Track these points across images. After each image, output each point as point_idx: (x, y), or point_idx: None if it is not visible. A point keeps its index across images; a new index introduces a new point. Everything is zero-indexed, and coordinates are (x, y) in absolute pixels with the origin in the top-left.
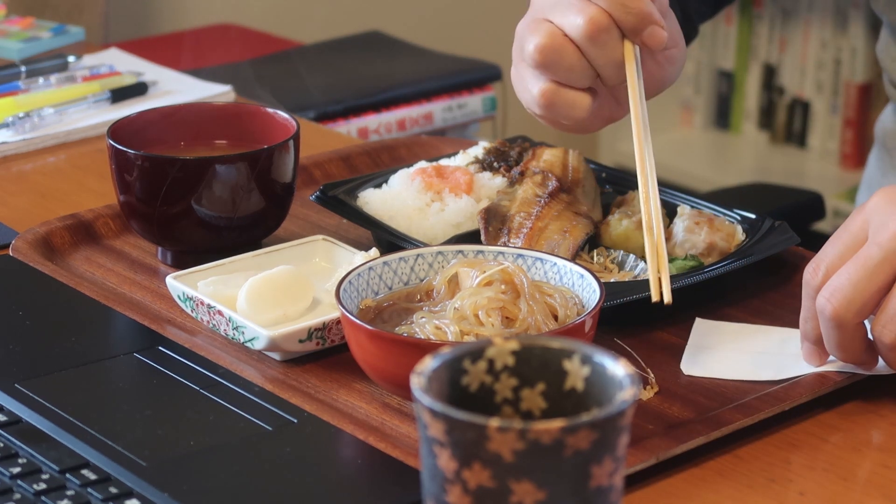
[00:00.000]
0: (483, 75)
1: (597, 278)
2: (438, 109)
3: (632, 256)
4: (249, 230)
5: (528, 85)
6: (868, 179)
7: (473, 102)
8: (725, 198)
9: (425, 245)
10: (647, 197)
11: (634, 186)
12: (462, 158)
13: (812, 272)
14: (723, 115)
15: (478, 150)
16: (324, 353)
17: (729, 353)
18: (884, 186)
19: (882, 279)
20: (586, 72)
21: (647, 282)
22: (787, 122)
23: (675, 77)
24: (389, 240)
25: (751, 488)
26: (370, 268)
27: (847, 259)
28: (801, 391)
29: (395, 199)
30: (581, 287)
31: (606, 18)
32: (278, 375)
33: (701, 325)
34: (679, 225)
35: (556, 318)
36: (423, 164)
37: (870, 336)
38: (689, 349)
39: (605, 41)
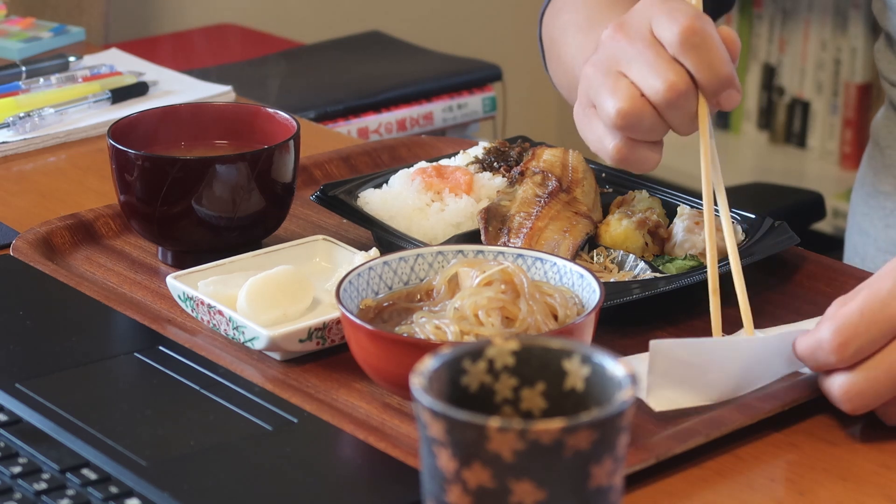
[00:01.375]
0: (483, 75)
1: (597, 278)
2: (438, 109)
3: (631, 256)
4: (249, 230)
5: (602, 139)
6: (861, 177)
7: (473, 102)
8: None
9: (425, 245)
10: (714, 256)
11: (634, 186)
12: (462, 158)
13: (838, 347)
14: (722, 115)
15: (478, 150)
16: (324, 353)
17: (696, 377)
18: None
19: None
20: (662, 130)
21: (646, 281)
22: (786, 122)
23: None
24: (389, 240)
25: (751, 488)
26: (370, 268)
27: (878, 342)
28: (800, 391)
29: (395, 199)
30: (581, 287)
31: (685, 82)
32: (278, 375)
33: (657, 351)
34: (679, 225)
35: (556, 318)
36: (423, 164)
37: None
38: (651, 381)
39: (683, 105)
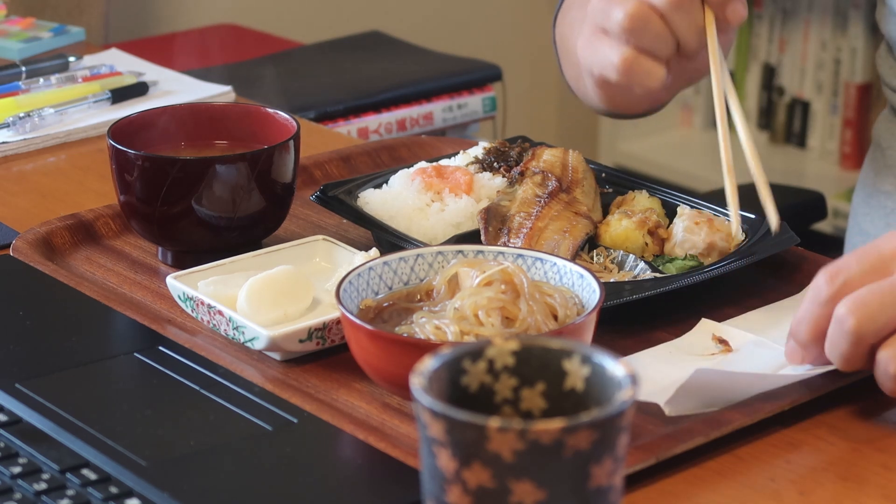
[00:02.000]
0: (483, 75)
1: (597, 278)
2: (438, 109)
3: (631, 256)
4: (249, 230)
5: (608, 53)
6: (863, 178)
7: (473, 102)
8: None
9: (425, 245)
10: (728, 147)
11: (634, 186)
12: (462, 158)
13: (828, 279)
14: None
15: (478, 150)
16: (324, 353)
17: (718, 396)
18: None
19: None
20: (669, 40)
21: (646, 282)
22: (786, 122)
23: (729, 47)
24: (389, 240)
25: (751, 488)
26: (370, 268)
27: (870, 280)
28: (801, 391)
29: (395, 199)
30: (581, 287)
31: None
32: (278, 375)
33: (697, 377)
34: (679, 225)
35: (556, 318)
36: (423, 164)
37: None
38: (678, 393)
39: (689, 8)
